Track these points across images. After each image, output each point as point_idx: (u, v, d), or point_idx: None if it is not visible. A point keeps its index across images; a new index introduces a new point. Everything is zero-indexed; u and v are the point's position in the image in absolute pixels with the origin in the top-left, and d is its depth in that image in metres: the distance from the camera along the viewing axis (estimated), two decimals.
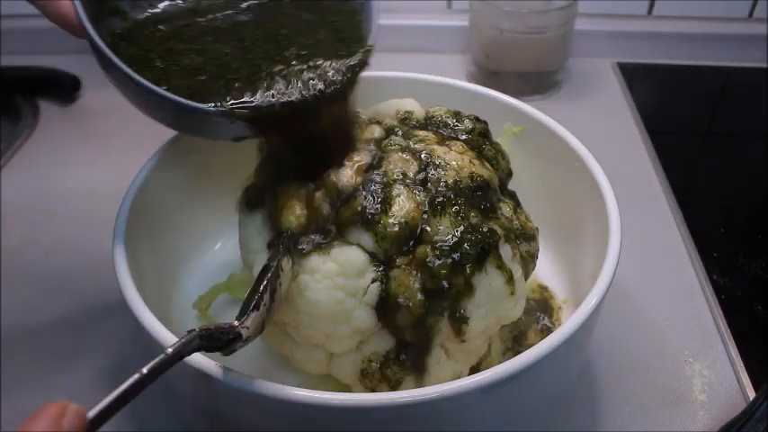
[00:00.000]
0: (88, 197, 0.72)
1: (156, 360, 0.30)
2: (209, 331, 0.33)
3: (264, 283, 0.36)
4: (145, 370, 0.29)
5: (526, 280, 0.45)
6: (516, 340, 0.52)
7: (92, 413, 0.27)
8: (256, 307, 0.35)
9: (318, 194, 0.41)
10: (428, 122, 0.49)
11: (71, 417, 0.26)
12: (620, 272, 0.42)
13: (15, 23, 0.97)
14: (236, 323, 0.34)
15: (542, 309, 0.55)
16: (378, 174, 0.42)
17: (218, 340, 0.33)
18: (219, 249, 0.61)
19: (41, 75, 0.91)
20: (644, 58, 0.97)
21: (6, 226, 0.68)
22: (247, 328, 0.34)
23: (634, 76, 0.94)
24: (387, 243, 0.39)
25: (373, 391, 0.41)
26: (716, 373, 0.54)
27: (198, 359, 0.36)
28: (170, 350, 0.31)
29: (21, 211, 0.70)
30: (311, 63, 0.40)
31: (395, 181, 0.42)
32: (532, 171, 0.56)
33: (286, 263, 0.39)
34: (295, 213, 0.41)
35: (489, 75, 0.88)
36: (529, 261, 0.46)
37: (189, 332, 0.32)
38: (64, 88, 0.89)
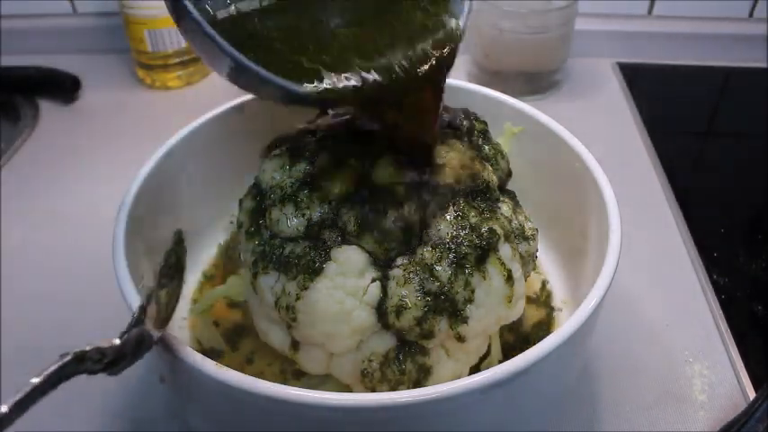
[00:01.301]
0: (88, 197, 0.72)
1: (22, 393, 0.27)
2: (84, 353, 0.31)
3: (146, 296, 0.36)
4: (4, 408, 0.26)
5: (525, 280, 0.45)
6: None
7: None
8: (139, 322, 0.35)
9: (318, 194, 0.41)
10: None
11: None
12: (620, 272, 0.42)
13: (15, 23, 0.97)
14: (117, 341, 0.33)
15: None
16: (377, 174, 0.42)
17: (99, 362, 0.32)
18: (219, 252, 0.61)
19: (41, 75, 0.91)
20: (644, 58, 0.97)
21: (6, 226, 0.68)
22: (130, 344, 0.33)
23: (634, 76, 0.94)
24: (387, 243, 0.39)
25: (373, 391, 0.41)
26: (716, 373, 0.54)
27: (197, 359, 0.36)
28: (36, 380, 0.28)
29: (21, 211, 0.70)
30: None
31: (395, 182, 0.42)
32: (532, 171, 0.56)
33: (164, 277, 0.39)
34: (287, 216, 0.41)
35: (489, 75, 0.88)
36: (528, 261, 0.46)
37: (61, 356, 0.30)
38: (64, 88, 0.89)
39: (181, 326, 0.54)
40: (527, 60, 0.86)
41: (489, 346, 0.47)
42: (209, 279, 0.58)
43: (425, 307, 0.39)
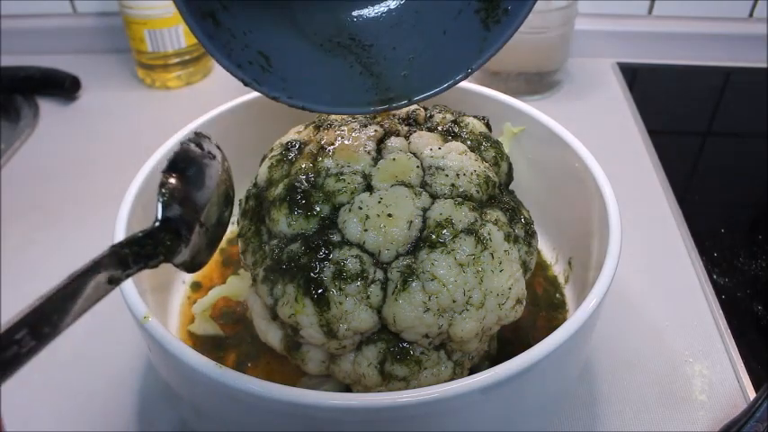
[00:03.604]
0: (88, 197, 0.72)
1: (67, 278, 0.27)
2: (134, 238, 0.30)
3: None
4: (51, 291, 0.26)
5: (525, 280, 0.45)
6: None
7: None
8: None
9: (318, 194, 0.41)
10: (428, 123, 0.49)
11: None
12: (621, 272, 0.42)
13: (15, 23, 0.97)
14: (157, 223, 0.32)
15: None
16: (377, 175, 0.42)
17: (149, 248, 0.31)
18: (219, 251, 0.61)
19: (41, 75, 0.91)
20: (644, 58, 0.97)
21: (6, 226, 0.68)
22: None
23: (634, 76, 0.94)
24: (387, 244, 0.39)
25: (373, 390, 0.41)
26: (716, 373, 0.54)
27: (197, 358, 0.36)
28: (86, 266, 0.28)
29: (21, 211, 0.70)
30: None
31: (395, 182, 0.42)
32: (532, 171, 0.56)
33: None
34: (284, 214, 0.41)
35: (489, 75, 0.88)
36: (528, 261, 0.46)
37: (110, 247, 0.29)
38: (64, 88, 0.89)
39: (180, 325, 0.54)
40: (527, 60, 0.86)
41: (490, 346, 0.47)
42: (208, 279, 0.58)
43: (425, 307, 0.39)
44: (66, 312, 0.27)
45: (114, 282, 0.30)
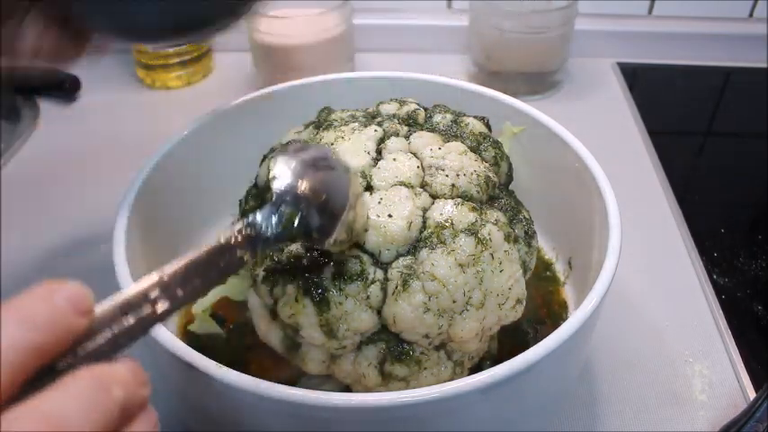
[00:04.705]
0: (88, 197, 0.72)
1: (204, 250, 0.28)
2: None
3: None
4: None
5: (525, 279, 0.45)
6: None
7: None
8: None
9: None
10: (428, 123, 0.49)
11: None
12: (621, 272, 0.42)
13: None
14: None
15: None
16: (377, 175, 0.42)
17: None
18: None
19: (41, 75, 0.91)
20: (644, 58, 0.97)
21: (6, 226, 0.68)
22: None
23: (634, 76, 0.94)
24: (387, 244, 0.39)
25: (373, 390, 0.41)
26: (716, 373, 0.54)
27: (196, 358, 0.36)
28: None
29: (21, 212, 0.70)
30: None
31: (395, 182, 0.42)
32: (532, 171, 0.56)
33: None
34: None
35: (489, 75, 0.88)
36: (528, 261, 0.46)
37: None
38: (64, 88, 0.89)
39: (179, 325, 0.54)
40: (527, 60, 0.86)
41: (489, 346, 0.47)
42: None
43: (425, 308, 0.39)
44: (202, 278, 0.29)
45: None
